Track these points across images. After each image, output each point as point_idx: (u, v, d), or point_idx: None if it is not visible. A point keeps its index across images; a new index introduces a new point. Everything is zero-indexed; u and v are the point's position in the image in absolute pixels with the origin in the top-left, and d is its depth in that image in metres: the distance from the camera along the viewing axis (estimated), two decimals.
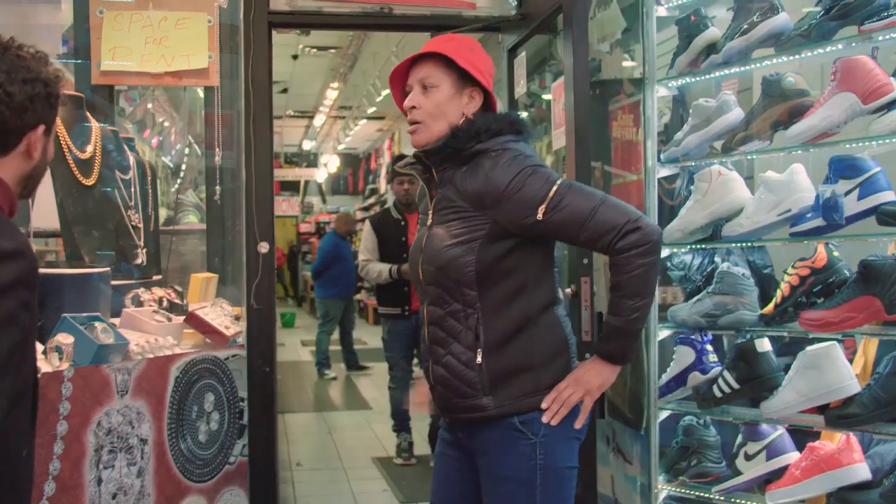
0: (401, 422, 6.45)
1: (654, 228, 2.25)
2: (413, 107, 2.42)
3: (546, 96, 5.50)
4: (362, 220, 19.58)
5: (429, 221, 2.45)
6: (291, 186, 22.89)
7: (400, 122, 17.03)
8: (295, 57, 12.31)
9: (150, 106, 5.97)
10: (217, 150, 3.83)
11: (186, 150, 5.01)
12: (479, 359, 2.33)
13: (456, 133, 2.37)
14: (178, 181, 4.90)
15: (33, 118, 1.85)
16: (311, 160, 23.10)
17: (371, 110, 14.20)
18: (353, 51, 11.66)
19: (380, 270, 6.00)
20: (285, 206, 22.06)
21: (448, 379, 2.39)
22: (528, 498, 2.34)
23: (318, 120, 17.48)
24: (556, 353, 2.39)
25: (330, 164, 22.00)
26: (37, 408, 1.86)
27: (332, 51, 12.21)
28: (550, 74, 5.80)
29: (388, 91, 11.79)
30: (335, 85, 13.57)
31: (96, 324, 2.66)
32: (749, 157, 3.23)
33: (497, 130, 2.38)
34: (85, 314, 2.69)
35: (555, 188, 2.27)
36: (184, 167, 4.87)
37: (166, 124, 5.68)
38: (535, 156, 2.42)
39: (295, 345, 13.74)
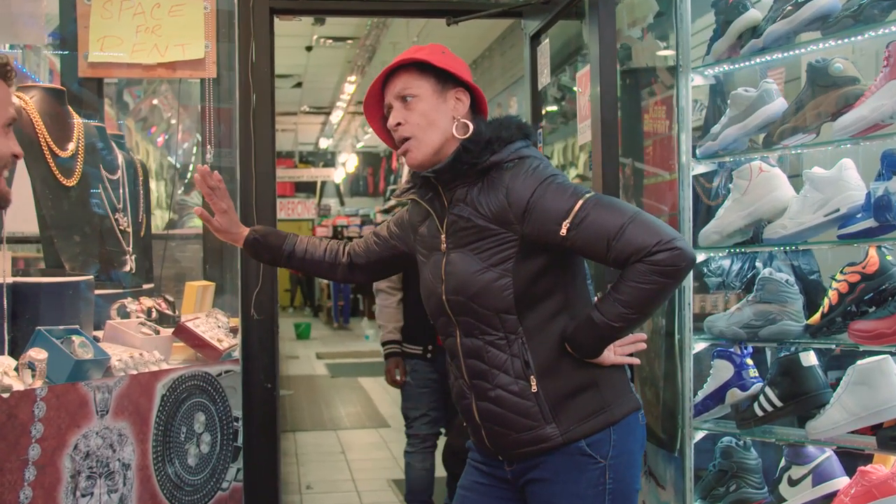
0: (419, 502, 4.97)
1: (688, 253, 2.16)
2: (399, 123, 2.38)
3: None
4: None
5: (442, 246, 2.40)
6: (307, 188, 22.94)
7: None
8: (309, 48, 12.32)
9: (155, 101, 5.97)
10: (208, 147, 3.78)
11: (194, 150, 4.99)
12: (534, 386, 2.29)
13: (466, 146, 2.32)
14: (186, 182, 4.87)
15: None
16: (327, 159, 23.16)
17: None
18: (372, 41, 11.66)
19: (387, 325, 4.86)
20: (301, 208, 22.08)
21: (501, 414, 2.34)
22: None
23: (335, 116, 17.51)
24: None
25: (348, 164, 22.03)
26: None
27: (350, 41, 12.21)
28: (584, 65, 5.73)
29: None
30: (353, 78, 13.56)
31: (74, 337, 2.62)
32: (793, 152, 3.14)
33: (508, 138, 2.34)
34: (62, 327, 2.64)
35: (580, 203, 2.21)
36: (191, 167, 4.84)
37: (173, 121, 5.67)
38: (551, 164, 2.39)
39: (310, 357, 13.74)
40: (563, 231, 2.20)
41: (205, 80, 3.83)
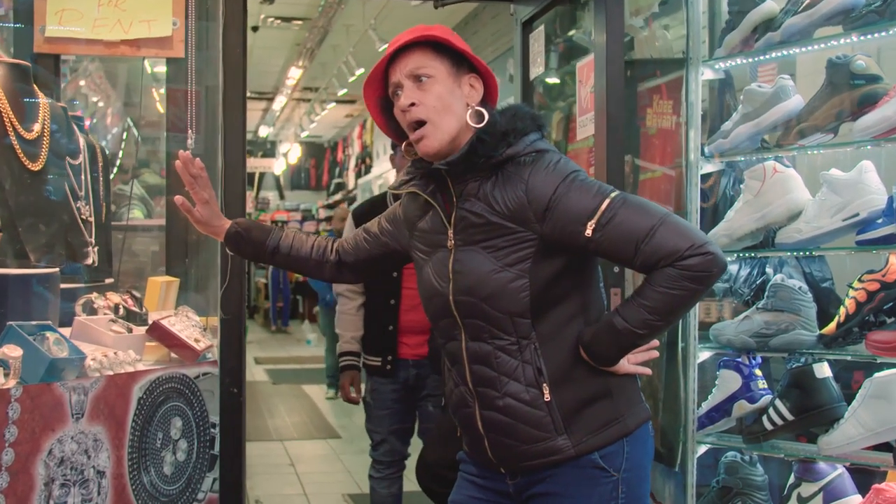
0: None
1: (720, 259, 2.17)
2: (412, 104, 2.33)
3: (551, 80, 5.45)
4: (327, 220, 19.57)
5: (448, 243, 2.38)
6: None
7: None
8: (255, 28, 12.22)
9: (82, 83, 5.89)
10: (190, 132, 3.76)
11: (124, 135, 4.94)
12: (547, 395, 2.29)
13: (482, 137, 2.30)
14: (115, 170, 4.83)
15: None
16: (267, 149, 23.00)
17: (341, 92, 14.09)
18: (324, 23, 11.58)
19: (344, 335, 4.65)
20: None
21: (509, 424, 2.33)
22: None
23: (279, 102, 17.39)
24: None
25: (290, 154, 21.90)
26: None
27: (299, 22, 12.14)
28: (555, 54, 5.77)
29: (362, 70, 11.59)
30: (301, 62, 13.49)
31: (48, 334, 2.60)
32: (810, 153, 3.20)
33: (523, 129, 2.33)
34: (34, 322, 2.62)
35: (607, 202, 2.21)
36: (121, 154, 4.80)
37: (101, 104, 5.60)
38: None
39: (248, 362, 13.61)
40: (589, 232, 2.20)
41: (174, 61, 3.80)
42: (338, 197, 19.60)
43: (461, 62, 2.38)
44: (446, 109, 2.33)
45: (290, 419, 9.48)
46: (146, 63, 4.36)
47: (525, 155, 2.30)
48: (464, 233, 2.35)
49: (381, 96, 2.47)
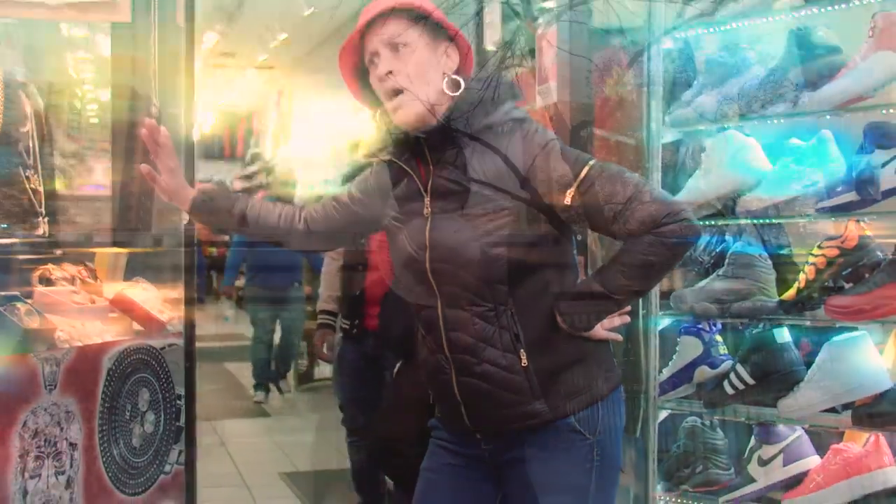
0: (371, 498, 4.93)
1: (696, 226, 2.30)
2: (389, 72, 2.40)
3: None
4: (248, 191, 19.40)
5: (425, 211, 2.44)
6: None
7: (293, 72, 16.91)
8: None
9: None
10: (154, 100, 3.78)
11: None
12: (523, 360, 2.38)
13: (460, 106, 2.38)
14: None
15: None
16: None
17: (261, 59, 13.99)
18: None
19: (323, 293, 5.01)
20: None
21: (486, 390, 2.41)
22: None
23: None
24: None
25: (204, 124, 21.65)
26: None
27: None
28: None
29: (285, 35, 11.40)
30: (218, 27, 13.38)
31: (18, 305, 2.66)
32: (772, 122, 3.35)
33: (500, 99, 2.41)
34: (2, 293, 2.67)
35: (585, 170, 2.31)
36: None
37: None
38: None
39: None
40: (568, 200, 2.31)
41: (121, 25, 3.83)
42: (255, 168, 19.42)
43: (438, 31, 2.44)
44: (423, 78, 2.39)
45: (216, 398, 9.46)
46: (62, 26, 4.36)
47: (502, 124, 2.39)
48: (441, 201, 2.41)
49: (356, 64, 2.52)
